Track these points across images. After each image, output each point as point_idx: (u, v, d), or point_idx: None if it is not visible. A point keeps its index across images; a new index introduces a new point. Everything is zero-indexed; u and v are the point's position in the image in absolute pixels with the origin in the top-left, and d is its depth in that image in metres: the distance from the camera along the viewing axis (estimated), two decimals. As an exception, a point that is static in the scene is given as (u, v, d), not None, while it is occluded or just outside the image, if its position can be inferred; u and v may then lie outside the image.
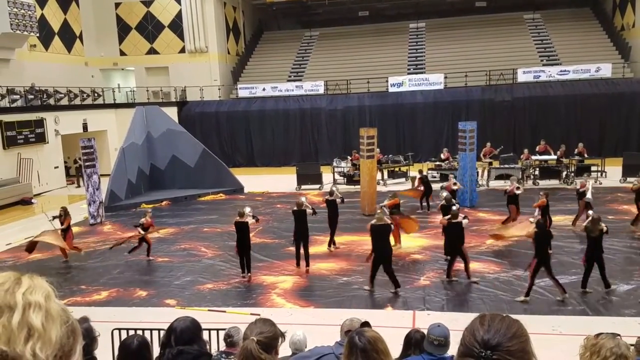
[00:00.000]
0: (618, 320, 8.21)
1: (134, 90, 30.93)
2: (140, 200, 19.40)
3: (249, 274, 10.91)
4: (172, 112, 25.54)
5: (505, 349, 1.54)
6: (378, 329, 2.46)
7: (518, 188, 13.72)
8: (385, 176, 21.20)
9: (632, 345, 4.65)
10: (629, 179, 18.63)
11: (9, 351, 0.95)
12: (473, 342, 1.58)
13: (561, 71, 26.39)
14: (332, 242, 12.71)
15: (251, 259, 11.08)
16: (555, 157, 19.70)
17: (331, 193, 12.78)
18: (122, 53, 31.90)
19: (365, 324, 2.53)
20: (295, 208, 11.48)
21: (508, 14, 32.46)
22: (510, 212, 13.69)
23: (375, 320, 6.13)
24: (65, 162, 25.07)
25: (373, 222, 10.00)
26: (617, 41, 28.52)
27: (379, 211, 10.68)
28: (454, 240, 10.43)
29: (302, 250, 11.41)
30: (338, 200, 12.72)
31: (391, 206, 12.65)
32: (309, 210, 11.33)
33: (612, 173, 19.36)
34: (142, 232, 12.43)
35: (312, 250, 11.93)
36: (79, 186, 23.65)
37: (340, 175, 21.03)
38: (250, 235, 11.08)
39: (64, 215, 13.02)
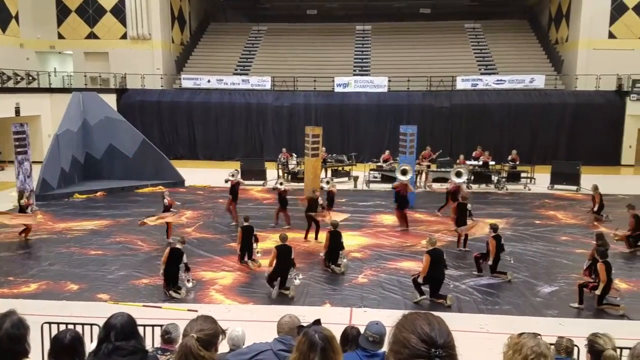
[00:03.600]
0: (541, 320, 8.69)
1: (71, 75, 29.69)
2: (73, 189, 18.72)
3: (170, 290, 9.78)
4: (110, 100, 24.70)
5: (450, 345, 1.64)
6: (316, 325, 2.52)
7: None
8: (329, 175, 21.38)
9: (552, 344, 4.98)
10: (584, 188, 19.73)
11: None
12: (419, 343, 1.64)
13: (497, 80, 27.51)
14: (251, 256, 11.47)
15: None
16: (481, 162, 20.57)
17: (246, 219, 11.50)
18: (60, 36, 30.55)
19: (318, 322, 2.57)
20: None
21: (450, 22, 33.41)
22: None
23: (313, 317, 6.23)
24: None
25: (431, 249, 9.41)
26: (551, 54, 30.04)
27: (432, 237, 9.86)
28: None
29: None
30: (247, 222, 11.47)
31: (305, 202, 13.30)
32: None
33: (541, 180, 20.40)
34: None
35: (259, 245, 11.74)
36: None
37: (285, 172, 21.05)
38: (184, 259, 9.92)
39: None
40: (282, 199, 14.50)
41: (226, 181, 14.97)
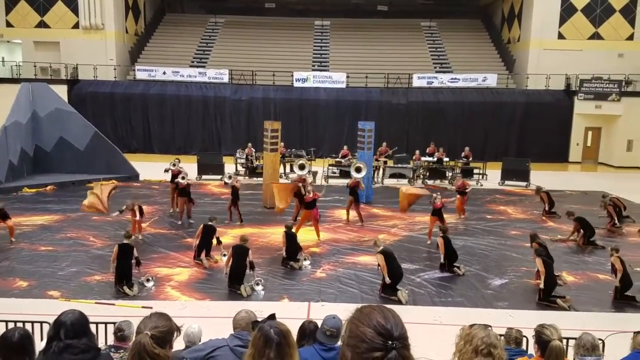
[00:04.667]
0: (492, 312, 8.98)
1: (20, 65, 28.59)
2: (22, 183, 18.06)
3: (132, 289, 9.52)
4: (61, 91, 23.87)
5: (404, 336, 1.68)
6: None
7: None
8: (288, 170, 21.38)
9: (501, 335, 5.15)
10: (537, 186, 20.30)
11: None
12: (376, 337, 1.67)
13: (452, 79, 28.10)
14: (208, 254, 11.30)
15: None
16: (435, 158, 21.00)
17: (211, 219, 11.38)
18: (9, 24, 29.32)
19: (272, 317, 2.57)
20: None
21: (407, 20, 33.85)
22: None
23: (271, 312, 6.23)
24: None
25: (381, 248, 9.63)
26: (503, 53, 30.87)
27: (377, 239, 10.09)
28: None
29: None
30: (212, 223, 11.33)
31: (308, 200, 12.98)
32: None
33: (492, 176, 20.98)
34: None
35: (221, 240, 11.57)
36: None
37: (243, 167, 20.90)
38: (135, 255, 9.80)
39: None
40: (184, 193, 14.15)
41: (166, 170, 14.78)
